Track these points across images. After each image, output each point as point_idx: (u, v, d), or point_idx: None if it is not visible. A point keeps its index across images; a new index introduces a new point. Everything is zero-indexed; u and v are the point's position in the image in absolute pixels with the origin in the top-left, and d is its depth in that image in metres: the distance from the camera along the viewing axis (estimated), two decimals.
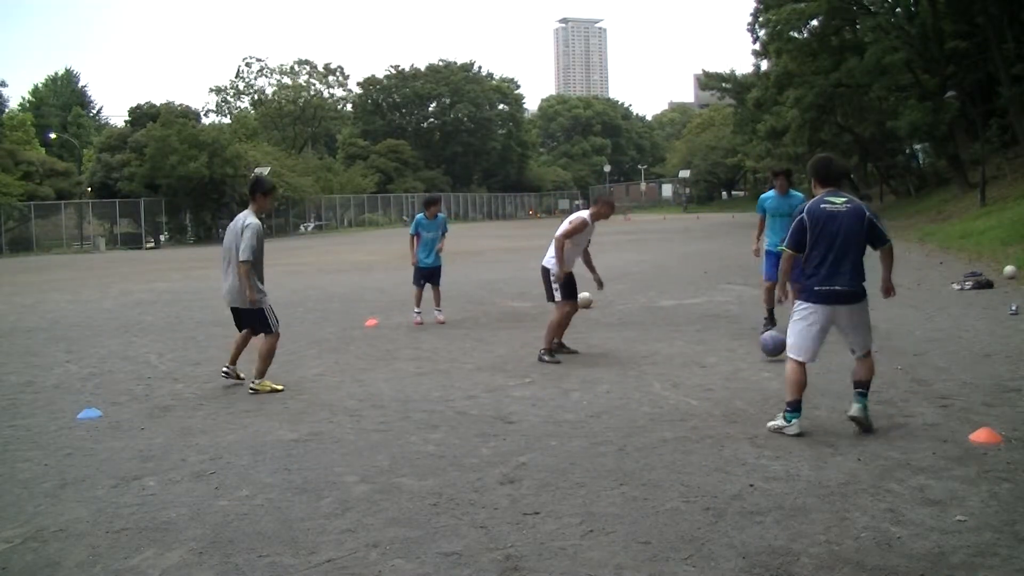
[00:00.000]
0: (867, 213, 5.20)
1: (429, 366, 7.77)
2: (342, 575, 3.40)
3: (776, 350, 7.20)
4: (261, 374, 6.92)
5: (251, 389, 6.85)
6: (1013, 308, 9.45)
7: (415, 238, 10.73)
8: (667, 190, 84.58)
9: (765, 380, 6.59)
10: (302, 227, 56.50)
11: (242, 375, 7.30)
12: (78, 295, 16.40)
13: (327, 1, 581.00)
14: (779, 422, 5.20)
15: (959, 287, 11.74)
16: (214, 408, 6.36)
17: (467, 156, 78.51)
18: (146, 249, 42.12)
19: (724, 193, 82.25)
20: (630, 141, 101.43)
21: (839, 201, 5.18)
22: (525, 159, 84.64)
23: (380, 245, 33.36)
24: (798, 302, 5.26)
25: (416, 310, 10.66)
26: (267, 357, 6.97)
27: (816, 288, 5.14)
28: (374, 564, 3.47)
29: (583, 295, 11.85)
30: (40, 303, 15.03)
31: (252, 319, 7.16)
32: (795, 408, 5.15)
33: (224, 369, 7.32)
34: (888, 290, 5.58)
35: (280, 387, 6.93)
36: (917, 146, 38.37)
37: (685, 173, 73.44)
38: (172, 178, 43.42)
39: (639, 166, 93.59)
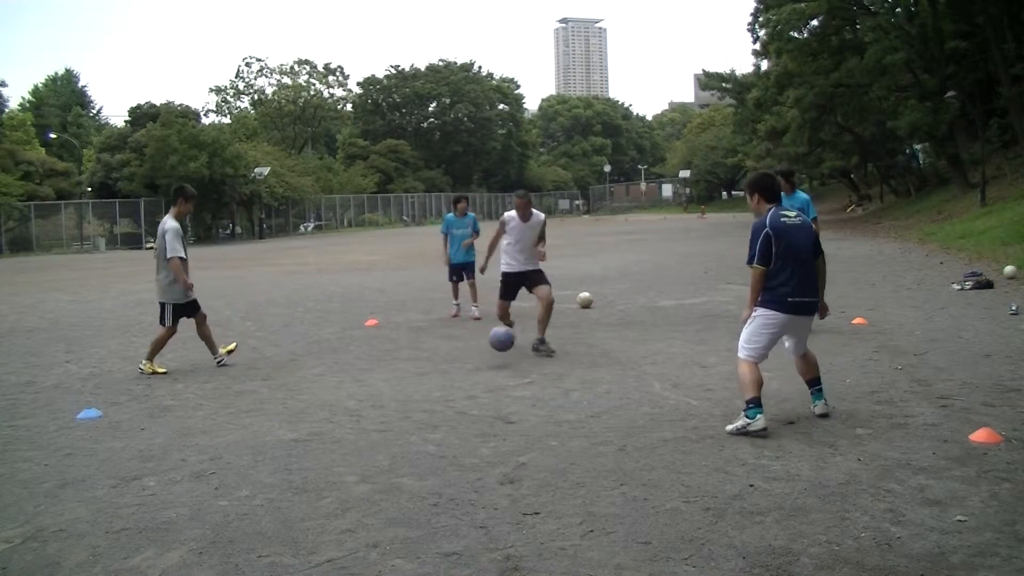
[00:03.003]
0: (812, 227, 5.51)
1: (429, 366, 7.77)
2: (342, 575, 3.40)
3: (503, 344, 7.70)
4: (150, 357, 7.97)
5: (140, 369, 7.90)
6: (1013, 308, 9.45)
7: (446, 237, 11.21)
8: (667, 190, 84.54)
9: (765, 380, 6.56)
10: (302, 227, 56.52)
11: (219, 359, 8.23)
12: (78, 295, 16.40)
13: (327, 1, 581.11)
14: (741, 422, 5.18)
15: (959, 287, 11.73)
16: (214, 408, 6.36)
17: (467, 156, 78.50)
18: (146, 249, 42.08)
19: (724, 193, 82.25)
20: (630, 141, 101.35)
21: (792, 215, 5.36)
22: (525, 159, 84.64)
23: (380, 245, 33.37)
24: (763, 309, 5.28)
25: (455, 302, 11.10)
26: (158, 345, 8.00)
27: (790, 299, 5.23)
28: (374, 564, 3.47)
29: (583, 295, 11.86)
30: (40, 303, 15.03)
31: (192, 310, 8.14)
32: (757, 404, 5.20)
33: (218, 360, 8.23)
34: (824, 309, 5.64)
35: (163, 370, 7.84)
36: (917, 146, 38.30)
37: (685, 173, 73.43)
38: (172, 178, 43.34)
39: (639, 166, 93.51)
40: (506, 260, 8.27)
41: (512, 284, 8.28)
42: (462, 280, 11.13)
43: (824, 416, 5.39)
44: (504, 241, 8.30)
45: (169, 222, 7.88)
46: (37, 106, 69.94)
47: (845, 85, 31.35)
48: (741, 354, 5.35)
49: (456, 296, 11.17)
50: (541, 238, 8.30)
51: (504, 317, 8.31)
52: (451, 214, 11.36)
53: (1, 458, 5.23)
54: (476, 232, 11.26)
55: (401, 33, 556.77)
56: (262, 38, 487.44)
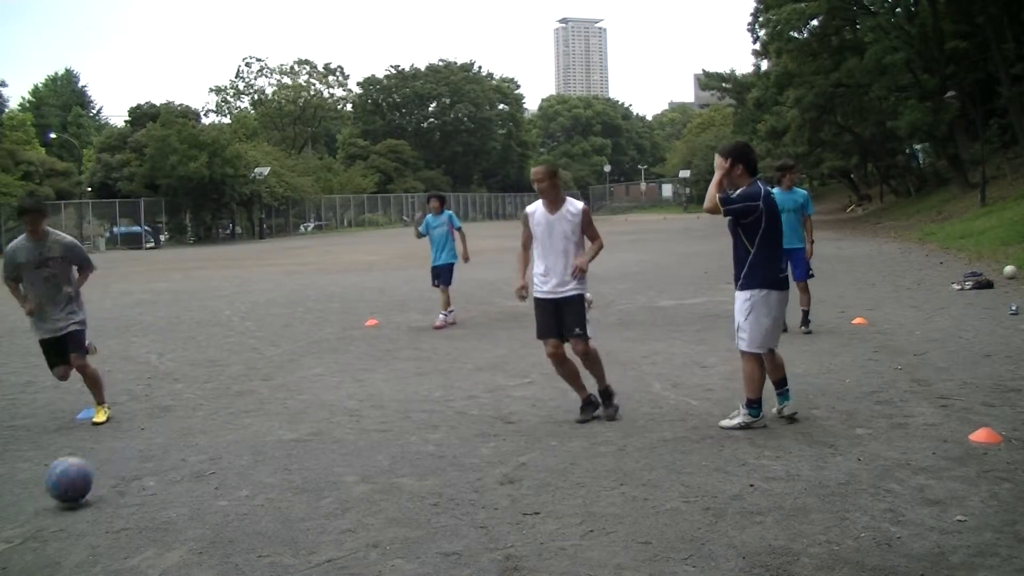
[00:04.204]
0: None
1: (429, 366, 7.77)
2: (342, 575, 3.40)
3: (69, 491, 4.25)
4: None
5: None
6: (1013, 308, 9.45)
7: (423, 235, 10.55)
8: (667, 190, 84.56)
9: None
10: (302, 227, 56.51)
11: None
12: None
13: (327, 1, 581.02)
14: (743, 419, 5.20)
15: (959, 287, 11.73)
16: (214, 408, 6.36)
17: (467, 156, 78.50)
18: (146, 249, 42.12)
19: None
20: (630, 141, 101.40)
21: (772, 191, 5.55)
22: (525, 159, 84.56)
23: (380, 245, 33.37)
24: (758, 291, 5.23)
25: (442, 312, 10.39)
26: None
27: (781, 275, 5.32)
28: (374, 564, 3.48)
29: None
30: None
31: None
32: (760, 405, 5.24)
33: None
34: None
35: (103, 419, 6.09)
36: (917, 146, 38.30)
37: (685, 173, 73.42)
38: (172, 178, 43.46)
39: (639, 166, 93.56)
40: (535, 276, 5.74)
41: (547, 313, 5.67)
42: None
43: (793, 417, 5.35)
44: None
45: (12, 243, 6.24)
46: (37, 106, 69.91)
47: (845, 85, 31.35)
48: (751, 348, 5.26)
49: (443, 305, 10.45)
50: (589, 238, 5.72)
51: (562, 364, 5.69)
52: (430, 214, 10.57)
53: (1, 458, 5.23)
54: (457, 228, 10.48)
55: (401, 33, 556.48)
56: (262, 38, 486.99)
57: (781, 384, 5.44)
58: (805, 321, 8.70)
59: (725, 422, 5.27)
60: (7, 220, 41.84)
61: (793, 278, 8.93)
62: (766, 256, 5.22)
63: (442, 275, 10.44)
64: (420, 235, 10.67)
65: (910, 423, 5.22)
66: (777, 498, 4.01)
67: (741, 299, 5.30)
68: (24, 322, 12.12)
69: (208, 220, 48.07)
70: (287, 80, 68.40)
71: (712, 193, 5.23)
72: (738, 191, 5.22)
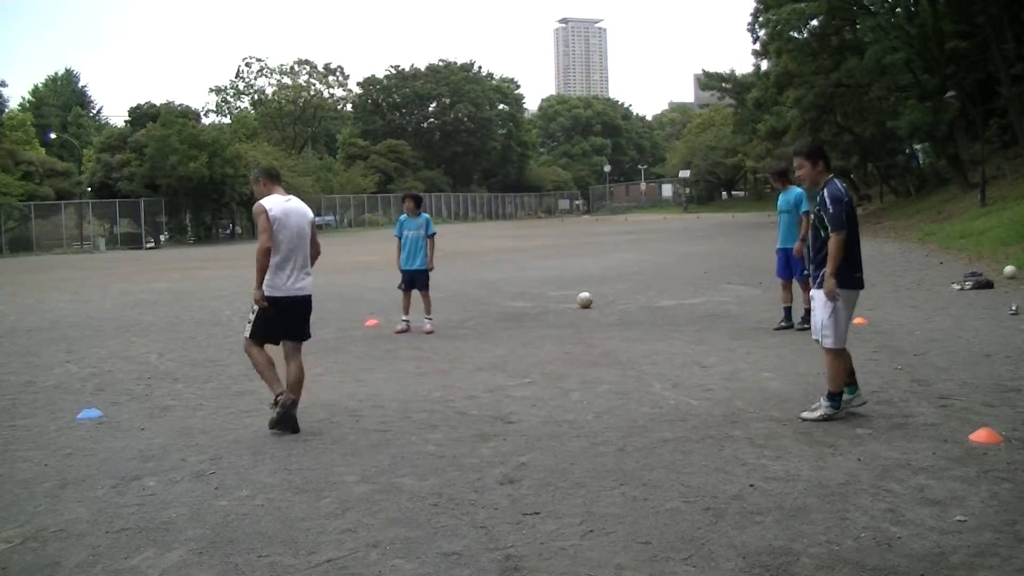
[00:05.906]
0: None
1: (429, 366, 7.77)
2: (342, 575, 3.40)
3: None
4: None
5: None
6: (1013, 308, 9.45)
7: (400, 241, 10.05)
8: (667, 190, 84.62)
9: (765, 380, 6.59)
10: None
11: None
12: (78, 295, 16.40)
13: (327, 1, 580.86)
14: (824, 411, 5.30)
15: (959, 287, 11.73)
16: (214, 408, 6.36)
17: (467, 156, 78.52)
18: (146, 249, 42.14)
19: (724, 193, 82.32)
20: (630, 141, 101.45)
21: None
22: (525, 159, 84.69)
23: (380, 245, 33.36)
24: (840, 291, 5.29)
25: (403, 317, 9.98)
26: None
27: (857, 275, 5.37)
28: (374, 564, 3.48)
29: (583, 295, 11.83)
30: (40, 303, 15.03)
31: None
32: (840, 398, 5.36)
33: None
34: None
35: None
36: (917, 146, 38.29)
37: (685, 173, 73.46)
38: (172, 178, 43.47)
39: (639, 166, 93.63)
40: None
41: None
42: (413, 289, 9.98)
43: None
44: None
45: None
46: (37, 106, 69.95)
47: (845, 85, 31.35)
48: (836, 344, 5.32)
49: (407, 310, 9.97)
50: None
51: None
52: (404, 215, 10.01)
53: (1, 458, 5.23)
54: (429, 234, 9.96)
55: (401, 33, 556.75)
56: (262, 38, 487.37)
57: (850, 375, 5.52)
58: (807, 319, 8.72)
59: (806, 414, 5.36)
60: (7, 220, 41.90)
61: (796, 277, 9.01)
62: (846, 255, 5.27)
63: (418, 280, 9.97)
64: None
65: (910, 423, 5.22)
66: (777, 498, 4.01)
67: (822, 298, 5.36)
68: (23, 322, 12.12)
69: (208, 220, 48.08)
70: (287, 80, 68.47)
71: (834, 266, 5.25)
72: (828, 199, 5.30)
